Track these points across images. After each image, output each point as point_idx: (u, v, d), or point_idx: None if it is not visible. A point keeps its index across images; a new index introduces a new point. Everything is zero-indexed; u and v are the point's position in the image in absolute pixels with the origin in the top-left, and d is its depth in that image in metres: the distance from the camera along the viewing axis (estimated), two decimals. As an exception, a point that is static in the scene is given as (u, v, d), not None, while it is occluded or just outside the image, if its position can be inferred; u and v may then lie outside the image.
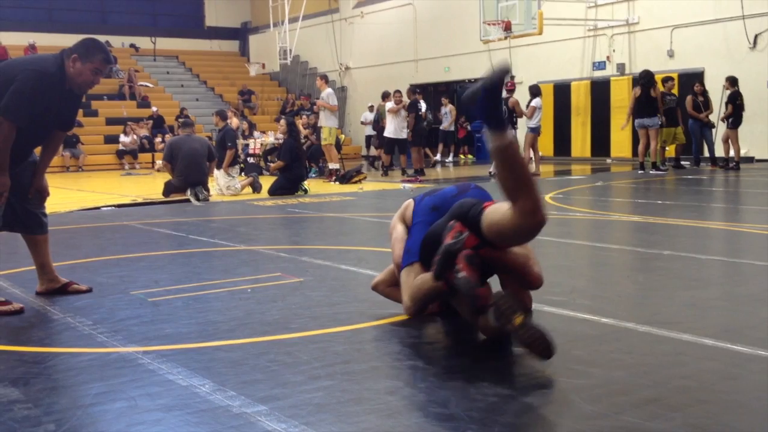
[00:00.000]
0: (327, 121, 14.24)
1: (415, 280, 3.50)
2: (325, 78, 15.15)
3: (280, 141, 13.92)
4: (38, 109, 4.08)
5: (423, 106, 15.70)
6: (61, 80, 4.14)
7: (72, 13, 27.42)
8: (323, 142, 14.49)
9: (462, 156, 21.45)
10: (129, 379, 2.96)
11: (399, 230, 3.80)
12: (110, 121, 22.85)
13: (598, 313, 3.79)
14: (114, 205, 10.24)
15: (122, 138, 21.39)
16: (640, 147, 14.12)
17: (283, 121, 12.49)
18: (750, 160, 15.75)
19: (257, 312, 3.99)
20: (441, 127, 19.76)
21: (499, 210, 3.11)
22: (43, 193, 4.49)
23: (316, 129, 15.55)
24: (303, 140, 15.87)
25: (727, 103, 14.33)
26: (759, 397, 2.66)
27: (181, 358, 3.20)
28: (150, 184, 14.36)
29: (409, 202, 3.87)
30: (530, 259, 3.40)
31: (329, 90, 14.46)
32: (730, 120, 14.13)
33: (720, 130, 14.86)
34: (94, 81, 4.25)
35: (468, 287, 3.02)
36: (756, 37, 15.90)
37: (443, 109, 19.82)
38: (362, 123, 21.40)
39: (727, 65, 15.71)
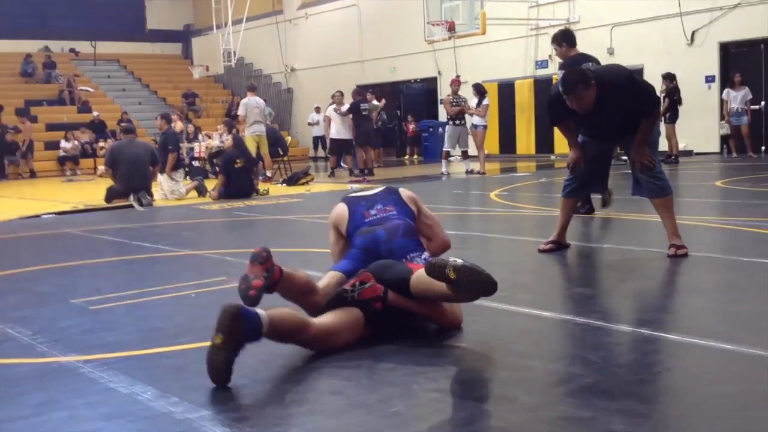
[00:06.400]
0: (247, 132, 14.17)
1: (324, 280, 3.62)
2: (251, 87, 15.16)
3: (224, 144, 13.77)
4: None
5: (375, 104, 15.42)
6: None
7: (10, 18, 26.72)
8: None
9: (416, 156, 21.32)
10: (70, 389, 2.92)
11: (331, 238, 3.99)
12: (50, 127, 22.37)
13: (540, 307, 3.86)
14: (55, 213, 10.04)
15: (63, 144, 20.98)
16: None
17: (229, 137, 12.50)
18: (689, 153, 16.16)
19: (202, 317, 3.95)
20: None
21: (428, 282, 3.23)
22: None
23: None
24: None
25: (664, 98, 14.67)
26: (694, 384, 2.75)
27: (123, 366, 3.17)
28: (92, 190, 14.08)
29: (341, 209, 3.91)
30: (442, 306, 3.42)
31: (244, 100, 14.56)
32: (668, 115, 14.48)
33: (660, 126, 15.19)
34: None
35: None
36: (693, 33, 16.33)
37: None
38: (309, 124, 21.21)
39: (665, 62, 16.09)
